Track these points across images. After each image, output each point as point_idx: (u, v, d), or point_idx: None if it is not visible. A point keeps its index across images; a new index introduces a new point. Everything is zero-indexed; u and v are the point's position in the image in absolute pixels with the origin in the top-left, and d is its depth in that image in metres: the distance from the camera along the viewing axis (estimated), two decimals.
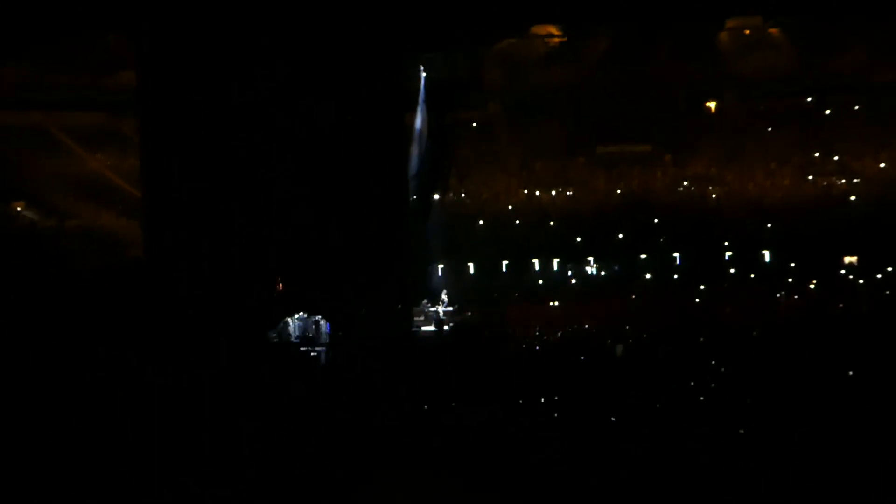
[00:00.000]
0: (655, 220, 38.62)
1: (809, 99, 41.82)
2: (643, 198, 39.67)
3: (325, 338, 24.54)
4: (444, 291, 30.70)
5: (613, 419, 12.91)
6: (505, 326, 28.14)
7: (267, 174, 24.88)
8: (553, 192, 40.24)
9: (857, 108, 41.28)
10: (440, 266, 36.26)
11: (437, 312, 29.87)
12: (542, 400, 16.42)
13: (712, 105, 42.28)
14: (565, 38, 40.41)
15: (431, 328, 28.65)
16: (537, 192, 40.27)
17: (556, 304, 32.04)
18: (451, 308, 30.98)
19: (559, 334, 25.62)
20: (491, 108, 41.22)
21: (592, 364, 20.66)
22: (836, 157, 40.43)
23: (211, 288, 23.52)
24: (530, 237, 38.24)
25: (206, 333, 21.45)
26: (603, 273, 37.66)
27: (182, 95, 24.47)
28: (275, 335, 24.21)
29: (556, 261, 37.58)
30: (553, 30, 40.46)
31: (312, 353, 23.38)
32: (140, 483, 9.72)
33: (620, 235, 38.16)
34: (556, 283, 36.44)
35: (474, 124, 40.97)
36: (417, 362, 22.11)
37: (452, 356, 23.66)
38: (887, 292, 30.05)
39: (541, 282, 36.87)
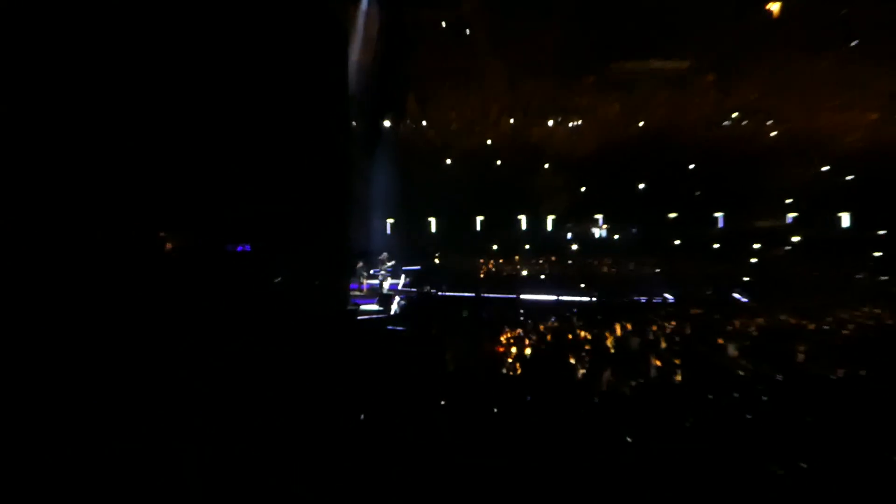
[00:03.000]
0: (691, 167, 36.23)
1: None
2: (674, 134, 36.72)
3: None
4: (392, 263, 30.27)
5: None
6: (475, 312, 26.01)
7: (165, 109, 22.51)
8: (549, 123, 38.06)
9: None
10: (389, 221, 35.99)
11: (379, 284, 29.02)
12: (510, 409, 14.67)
13: (775, 6, 37.92)
14: None
15: (374, 306, 27.18)
16: (527, 123, 38.15)
17: (549, 282, 31.17)
18: (401, 280, 30.63)
19: (549, 338, 21.97)
20: (466, 6, 37.32)
21: (594, 378, 18.23)
22: None
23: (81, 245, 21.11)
24: (516, 184, 36.73)
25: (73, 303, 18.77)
26: (616, 237, 36.95)
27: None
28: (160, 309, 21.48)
29: (550, 219, 37.21)
30: None
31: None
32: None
33: (641, 185, 36.71)
34: (552, 252, 36.22)
35: (444, 23, 37.58)
36: (353, 357, 18.25)
37: (399, 348, 21.06)
38: None
39: (527, 246, 36.32)
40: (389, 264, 29.72)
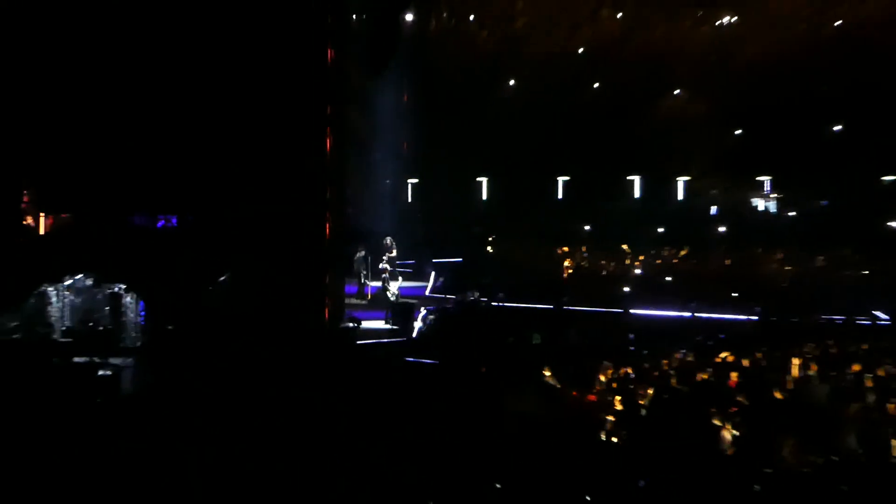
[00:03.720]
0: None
1: None
2: (892, 42, 35.28)
3: (132, 327, 24.74)
4: (395, 252, 30.88)
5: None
6: (552, 336, 26.13)
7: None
8: (681, 22, 37.75)
9: None
10: (411, 182, 37.84)
11: (383, 286, 30.48)
12: None
13: None
14: None
15: (382, 323, 28.51)
16: (642, 22, 37.77)
17: (678, 288, 31.41)
18: (429, 281, 31.58)
19: (677, 381, 21.06)
20: None
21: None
22: None
23: None
24: (623, 124, 37.22)
25: None
26: (793, 215, 37.64)
27: None
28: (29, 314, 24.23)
29: (682, 182, 38.62)
30: None
31: (98, 363, 21.92)
32: None
33: (837, 127, 36.89)
34: (683, 238, 36.67)
35: None
36: (350, 406, 17.82)
37: (426, 393, 20.18)
38: None
39: (643, 228, 36.89)
40: (394, 253, 30.72)
